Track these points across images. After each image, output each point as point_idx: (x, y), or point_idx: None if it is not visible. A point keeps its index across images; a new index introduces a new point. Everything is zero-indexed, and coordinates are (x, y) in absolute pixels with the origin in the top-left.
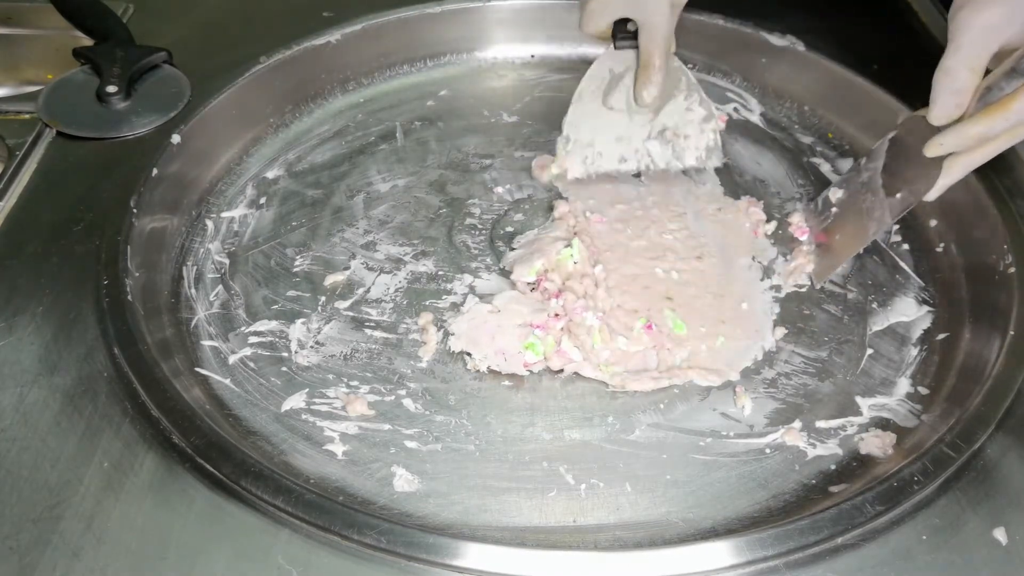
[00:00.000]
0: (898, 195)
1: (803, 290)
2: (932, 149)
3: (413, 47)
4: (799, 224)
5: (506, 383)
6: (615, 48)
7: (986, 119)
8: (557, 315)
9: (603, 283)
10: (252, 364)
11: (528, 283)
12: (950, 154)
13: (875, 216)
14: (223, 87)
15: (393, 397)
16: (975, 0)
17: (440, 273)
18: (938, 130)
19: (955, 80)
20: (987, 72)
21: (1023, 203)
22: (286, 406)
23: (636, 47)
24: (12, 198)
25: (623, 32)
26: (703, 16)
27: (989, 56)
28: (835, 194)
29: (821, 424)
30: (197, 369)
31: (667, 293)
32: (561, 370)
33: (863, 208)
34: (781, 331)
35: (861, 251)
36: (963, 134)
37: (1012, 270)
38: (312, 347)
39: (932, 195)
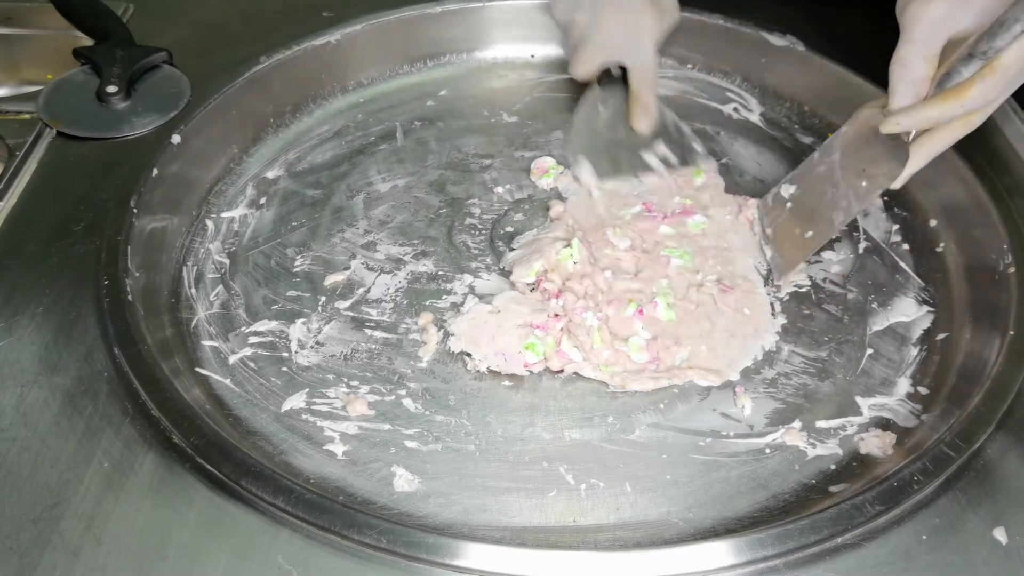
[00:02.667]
0: (863, 183)
1: (803, 290)
2: (888, 126)
3: (413, 47)
4: (754, 219)
5: (506, 383)
6: (600, 87)
7: (942, 104)
8: (557, 315)
9: (605, 282)
10: (252, 364)
11: (528, 283)
12: (914, 141)
13: (841, 206)
14: (223, 87)
15: (393, 397)
16: None
17: (440, 273)
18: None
19: (911, 71)
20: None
21: (1023, 203)
22: (286, 406)
23: (620, 85)
24: (12, 198)
25: (607, 76)
26: (703, 16)
27: (941, 45)
28: (787, 190)
29: (821, 424)
30: (197, 369)
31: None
32: (561, 370)
33: (825, 200)
34: (781, 331)
35: (829, 240)
36: (918, 116)
37: (1012, 270)
38: (312, 347)
39: (898, 183)
